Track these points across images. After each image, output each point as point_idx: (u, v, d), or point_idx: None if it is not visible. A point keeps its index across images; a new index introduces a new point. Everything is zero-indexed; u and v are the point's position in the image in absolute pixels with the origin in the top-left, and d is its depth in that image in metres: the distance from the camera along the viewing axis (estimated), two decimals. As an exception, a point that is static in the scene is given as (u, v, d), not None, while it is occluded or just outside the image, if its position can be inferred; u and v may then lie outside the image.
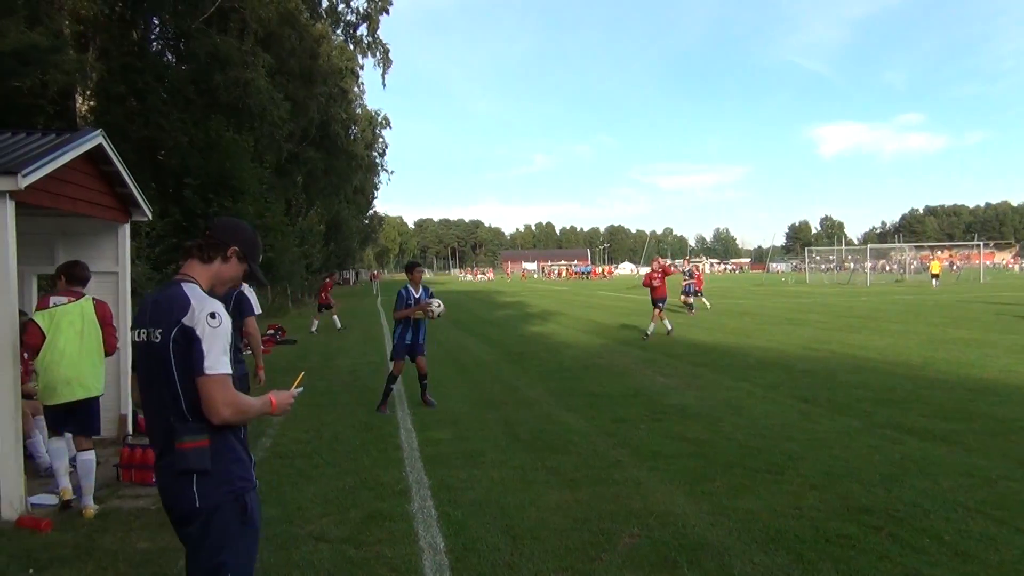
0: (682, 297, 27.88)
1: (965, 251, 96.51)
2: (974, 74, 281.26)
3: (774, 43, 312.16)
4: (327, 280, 26.70)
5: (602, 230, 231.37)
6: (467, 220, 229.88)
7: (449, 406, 10.36)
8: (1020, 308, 27.23)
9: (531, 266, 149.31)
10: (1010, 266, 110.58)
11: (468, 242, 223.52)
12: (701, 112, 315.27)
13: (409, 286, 10.25)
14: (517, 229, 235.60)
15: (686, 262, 32.70)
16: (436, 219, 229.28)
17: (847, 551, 4.93)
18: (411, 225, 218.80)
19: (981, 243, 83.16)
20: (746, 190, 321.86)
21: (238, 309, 6.86)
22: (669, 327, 19.29)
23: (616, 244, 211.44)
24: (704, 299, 30.65)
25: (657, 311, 19.10)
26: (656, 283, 19.16)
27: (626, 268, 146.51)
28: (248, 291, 7.03)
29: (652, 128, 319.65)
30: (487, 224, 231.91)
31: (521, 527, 5.49)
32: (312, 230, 36.41)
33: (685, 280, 28.76)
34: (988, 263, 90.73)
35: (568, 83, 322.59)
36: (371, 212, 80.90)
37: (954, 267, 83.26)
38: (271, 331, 20.20)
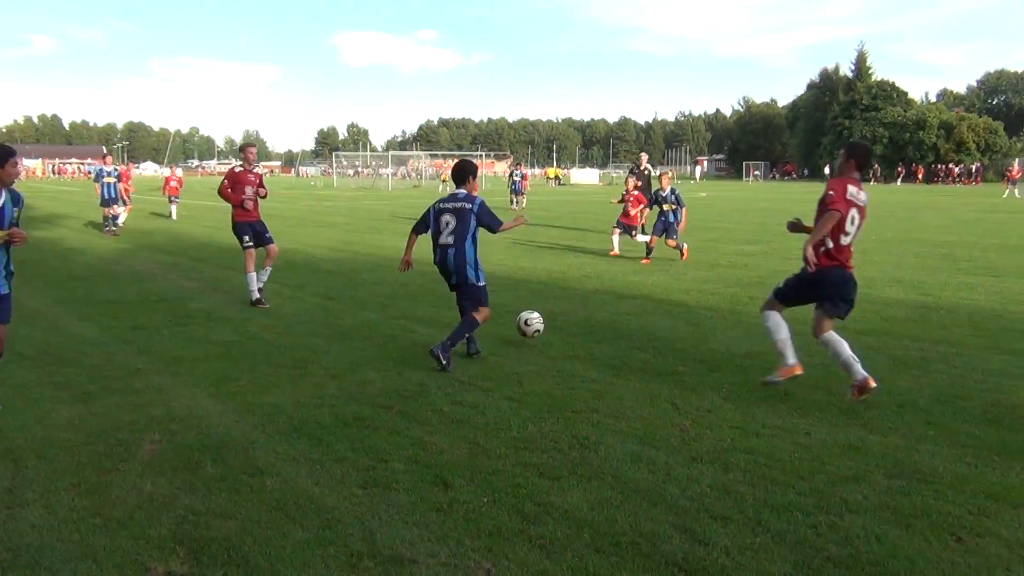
0: (107, 210, 21.01)
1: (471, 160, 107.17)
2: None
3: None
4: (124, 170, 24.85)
5: (120, 126, 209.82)
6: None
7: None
8: (512, 211, 31.35)
9: (33, 163, 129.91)
10: (504, 174, 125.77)
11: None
12: (226, 5, 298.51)
13: None
14: (15, 120, 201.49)
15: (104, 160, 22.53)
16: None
17: (362, 431, 5.41)
18: None
19: (483, 153, 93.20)
20: (275, 91, 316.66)
21: None
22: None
23: (137, 142, 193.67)
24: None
25: None
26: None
27: (150, 168, 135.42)
28: None
29: (174, 17, 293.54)
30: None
31: (24, 448, 5.01)
32: None
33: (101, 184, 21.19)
34: (490, 172, 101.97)
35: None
36: None
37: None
38: None
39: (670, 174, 16.38)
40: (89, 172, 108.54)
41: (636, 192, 16.05)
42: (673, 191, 14.78)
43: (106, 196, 20.65)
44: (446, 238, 7.19)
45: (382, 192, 55.99)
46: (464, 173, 7.49)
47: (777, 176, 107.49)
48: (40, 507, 4.19)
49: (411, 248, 7.57)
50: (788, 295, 6.46)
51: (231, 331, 8.70)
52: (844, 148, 6.51)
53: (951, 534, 3.90)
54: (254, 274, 10.25)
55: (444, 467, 4.74)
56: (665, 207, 14.65)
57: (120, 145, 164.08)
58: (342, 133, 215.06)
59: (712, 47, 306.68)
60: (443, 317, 9.30)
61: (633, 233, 15.77)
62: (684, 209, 14.93)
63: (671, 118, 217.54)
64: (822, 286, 6.12)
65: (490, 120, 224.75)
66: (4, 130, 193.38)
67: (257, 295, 10.14)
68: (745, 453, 4.97)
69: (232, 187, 10.30)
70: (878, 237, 19.65)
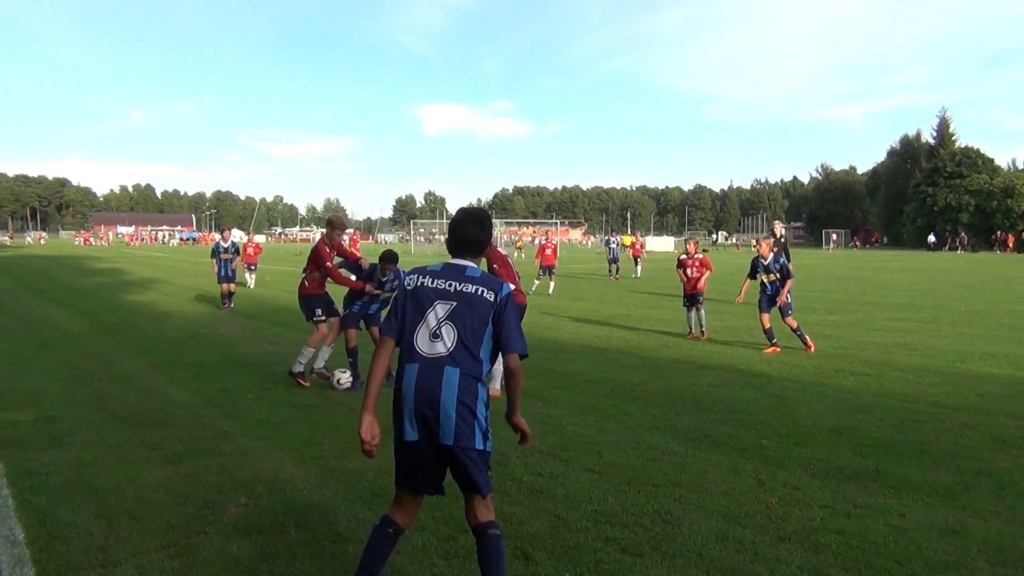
0: (224, 287, 19.21)
1: (545, 228, 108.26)
2: (554, 70, 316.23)
3: (382, 21, 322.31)
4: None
5: (208, 195, 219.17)
6: (51, 177, 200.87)
7: (30, 384, 9.27)
8: (589, 279, 31.41)
9: (128, 230, 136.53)
10: (582, 242, 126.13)
11: (52, 202, 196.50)
12: (311, 81, 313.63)
13: None
14: (111, 190, 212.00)
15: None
16: (11, 174, 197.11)
17: (442, 499, 5.34)
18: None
19: (558, 221, 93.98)
20: (356, 162, 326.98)
21: None
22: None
23: (224, 210, 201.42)
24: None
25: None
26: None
27: (236, 235, 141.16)
28: None
29: (261, 93, 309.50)
30: (75, 183, 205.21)
31: (117, 508, 5.16)
32: None
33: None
34: (564, 239, 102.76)
35: (170, 36, 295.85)
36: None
37: (536, 242, 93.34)
38: None
39: (771, 240, 13.57)
40: (184, 238, 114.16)
41: (701, 256, 14.90)
42: (777, 259, 12.69)
43: (222, 273, 18.68)
44: None
45: (458, 259, 56.80)
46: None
47: (859, 244, 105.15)
48: (132, 567, 4.30)
49: None
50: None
51: (312, 395, 8.87)
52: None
53: (1064, 628, 3.66)
54: (312, 350, 9.67)
55: (525, 539, 4.69)
56: (766, 278, 12.64)
57: (209, 213, 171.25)
58: (419, 201, 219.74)
59: (787, 114, 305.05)
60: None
61: (700, 302, 14.08)
62: (791, 281, 12.59)
63: (747, 185, 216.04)
64: None
65: (564, 188, 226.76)
66: (102, 199, 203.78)
67: (300, 369, 9.50)
68: (836, 534, 4.78)
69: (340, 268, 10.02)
70: (968, 308, 18.97)
